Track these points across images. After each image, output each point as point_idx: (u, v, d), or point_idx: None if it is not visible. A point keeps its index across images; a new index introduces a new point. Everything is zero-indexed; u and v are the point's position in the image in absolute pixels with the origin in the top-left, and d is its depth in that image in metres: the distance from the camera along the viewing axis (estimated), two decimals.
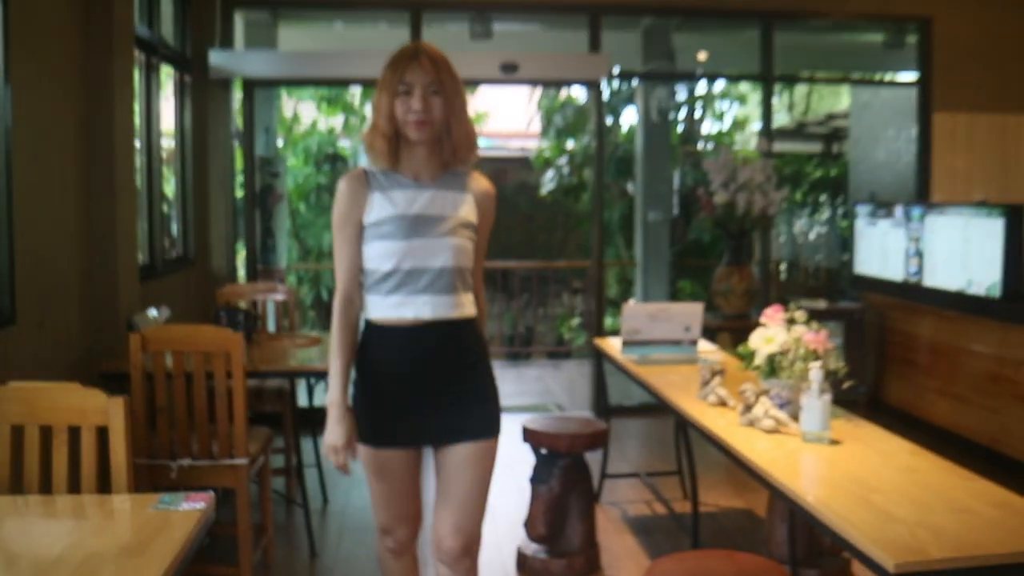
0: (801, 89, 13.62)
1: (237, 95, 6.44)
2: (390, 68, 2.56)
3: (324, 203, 10.71)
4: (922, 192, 7.20)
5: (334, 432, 2.58)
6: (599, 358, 5.15)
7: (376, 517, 2.75)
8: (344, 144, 11.46)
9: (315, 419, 4.24)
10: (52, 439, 2.37)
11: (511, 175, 12.58)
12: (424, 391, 2.61)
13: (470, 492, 2.66)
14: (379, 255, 2.58)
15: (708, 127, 12.35)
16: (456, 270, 2.60)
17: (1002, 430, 5.41)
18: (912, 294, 6.13)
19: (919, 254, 5.97)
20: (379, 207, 2.59)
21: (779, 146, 13.11)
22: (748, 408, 3.00)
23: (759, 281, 6.71)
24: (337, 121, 11.74)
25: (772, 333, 3.11)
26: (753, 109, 12.13)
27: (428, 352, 2.60)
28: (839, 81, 8.93)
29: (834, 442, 2.81)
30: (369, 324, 2.66)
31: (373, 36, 8.61)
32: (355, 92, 11.21)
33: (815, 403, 2.77)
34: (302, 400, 4.99)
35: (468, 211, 2.64)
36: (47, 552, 1.91)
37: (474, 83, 7.17)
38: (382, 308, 2.60)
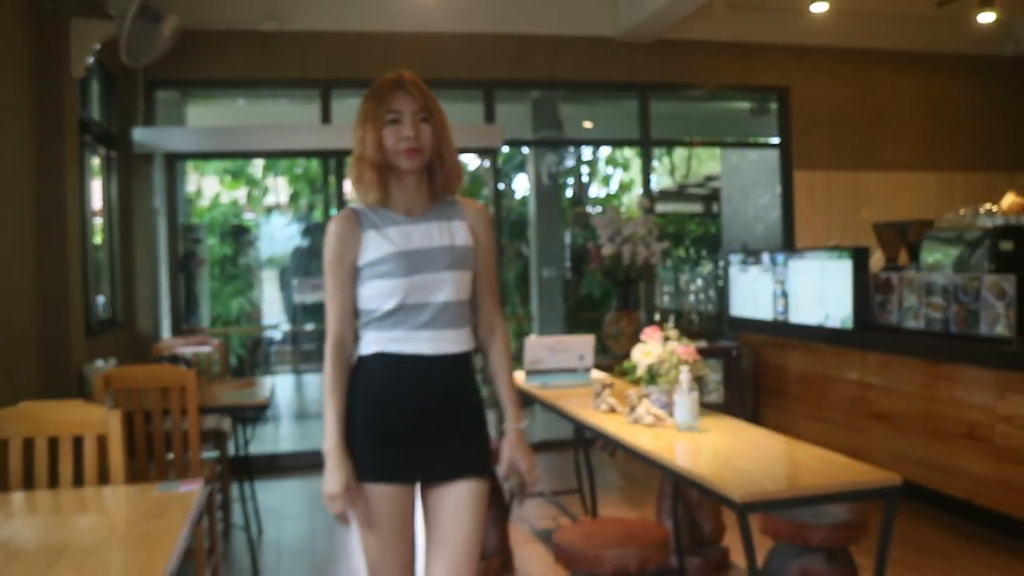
0: (682, 153, 14.67)
1: (156, 169, 6.93)
2: (374, 99, 2.50)
3: (229, 273, 11.11)
4: (787, 241, 8.06)
5: (332, 479, 2.48)
6: None
7: (369, 570, 2.60)
8: (248, 216, 11.93)
9: (246, 464, 4.76)
10: (60, 448, 2.85)
11: None
12: (421, 425, 2.53)
13: (466, 536, 2.55)
14: (379, 295, 2.53)
15: (596, 190, 13.22)
16: (457, 304, 2.56)
17: (863, 444, 6.14)
18: (780, 330, 6.88)
19: (784, 295, 6.74)
20: (375, 246, 2.53)
21: (663, 207, 14.12)
22: (632, 409, 3.62)
23: (645, 324, 7.41)
24: (240, 194, 12.20)
25: (650, 348, 3.75)
26: (636, 174, 13.00)
27: (427, 386, 2.53)
28: (712, 144, 9.81)
29: (703, 431, 3.45)
30: (366, 358, 2.57)
31: (275, 111, 9.21)
32: (258, 165, 11.70)
33: (685, 399, 3.41)
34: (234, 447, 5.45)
35: (465, 238, 2.59)
36: (86, 523, 2.40)
37: None
38: (381, 342, 2.54)
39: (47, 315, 4.62)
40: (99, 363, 4.87)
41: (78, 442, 2.89)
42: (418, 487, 2.57)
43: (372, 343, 2.55)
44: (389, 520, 2.53)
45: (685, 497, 4.30)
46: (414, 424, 2.52)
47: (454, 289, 2.54)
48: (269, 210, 12.21)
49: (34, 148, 4.61)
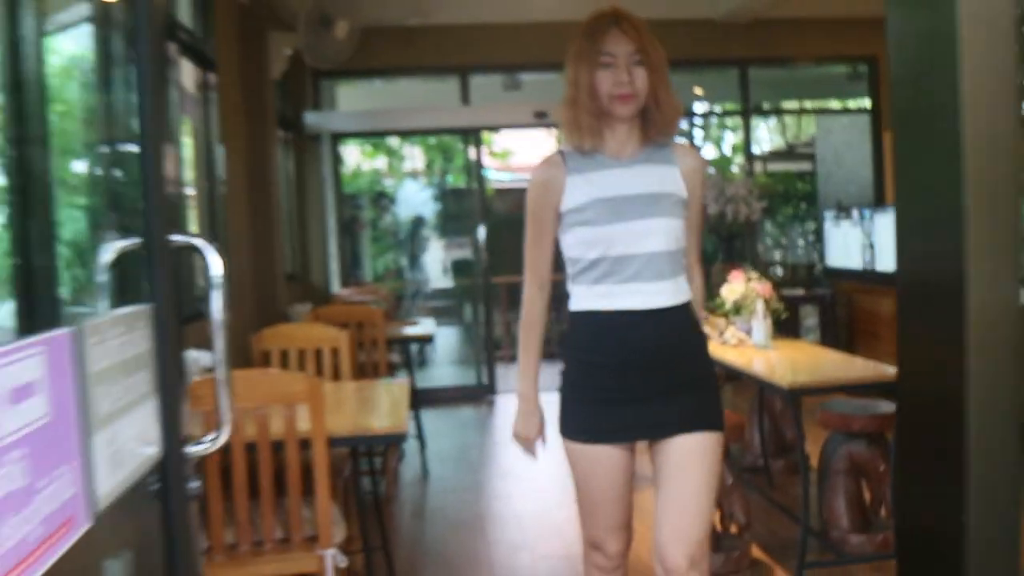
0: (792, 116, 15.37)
1: (323, 147, 8.17)
2: (587, 38, 2.39)
3: (374, 235, 12.37)
4: (878, 198, 8.86)
5: (527, 424, 2.54)
6: None
7: (584, 530, 2.56)
8: (387, 183, 13.18)
9: (413, 389, 5.91)
10: (306, 356, 4.03)
11: None
12: (638, 383, 2.40)
13: (695, 492, 2.40)
14: (582, 243, 2.42)
15: (710, 152, 14.04)
16: (667, 254, 2.40)
17: None
18: (869, 279, 7.75)
19: (871, 246, 7.61)
20: (579, 191, 2.41)
21: (773, 166, 14.84)
22: (721, 333, 4.64)
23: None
24: (379, 162, 13.44)
25: (736, 287, 4.75)
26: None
27: (641, 343, 2.39)
28: (806, 112, 10.53)
29: (775, 349, 4.45)
30: (575, 315, 2.49)
31: (421, 90, 10.36)
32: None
33: (761, 324, 4.43)
34: None
35: (677, 186, 2.44)
36: (350, 389, 3.58)
37: (511, 128, 8.89)
38: (589, 299, 2.44)
39: (259, 263, 5.86)
40: (298, 306, 6.12)
41: (318, 353, 4.07)
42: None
43: (580, 299, 2.46)
44: (604, 477, 2.46)
45: (769, 408, 5.30)
46: (628, 383, 2.41)
47: (664, 238, 2.39)
48: (405, 177, 13.44)
49: (248, 135, 5.84)
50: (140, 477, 1.42)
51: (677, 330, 2.43)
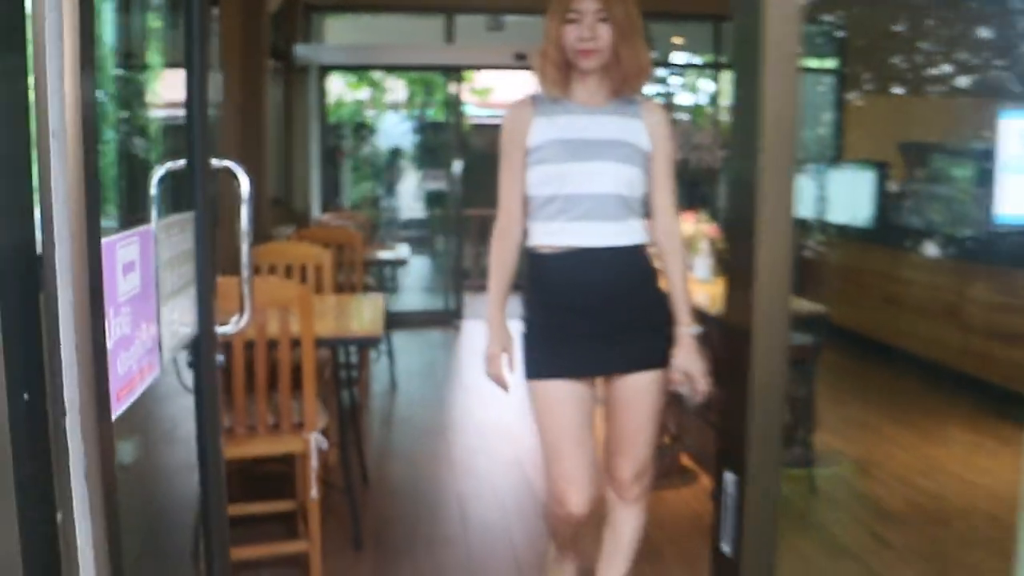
0: None
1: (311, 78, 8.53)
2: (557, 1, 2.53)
3: (353, 165, 12.73)
4: (837, 155, 9.34)
5: (492, 343, 2.65)
6: None
7: (548, 483, 2.68)
8: (370, 114, 13.50)
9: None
10: (293, 271, 4.48)
11: None
12: (590, 319, 2.55)
13: (643, 423, 2.64)
14: (539, 180, 2.56)
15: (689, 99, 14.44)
16: (618, 197, 2.54)
17: (868, 319, 7.55)
18: (819, 228, 8.25)
19: (823, 199, 8.10)
20: (541, 131, 2.56)
21: None
22: None
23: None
24: (362, 94, 13.75)
25: (685, 227, 5.22)
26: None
27: (589, 280, 2.54)
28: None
29: (715, 284, 4.95)
30: (532, 252, 2.63)
31: (408, 26, 10.67)
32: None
33: (704, 261, 4.91)
34: None
35: (638, 137, 2.57)
36: (343, 305, 4.04)
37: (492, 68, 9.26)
38: (543, 235, 2.59)
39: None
40: (282, 228, 6.55)
41: (303, 269, 4.52)
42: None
43: (537, 235, 2.61)
44: (561, 417, 2.58)
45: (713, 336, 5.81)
46: (582, 319, 2.55)
47: (615, 181, 2.53)
48: (387, 109, 13.77)
49: (242, 65, 6.22)
50: (183, 346, 1.88)
51: (626, 270, 2.57)
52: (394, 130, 13.29)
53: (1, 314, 1.02)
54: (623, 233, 2.54)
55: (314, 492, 3.26)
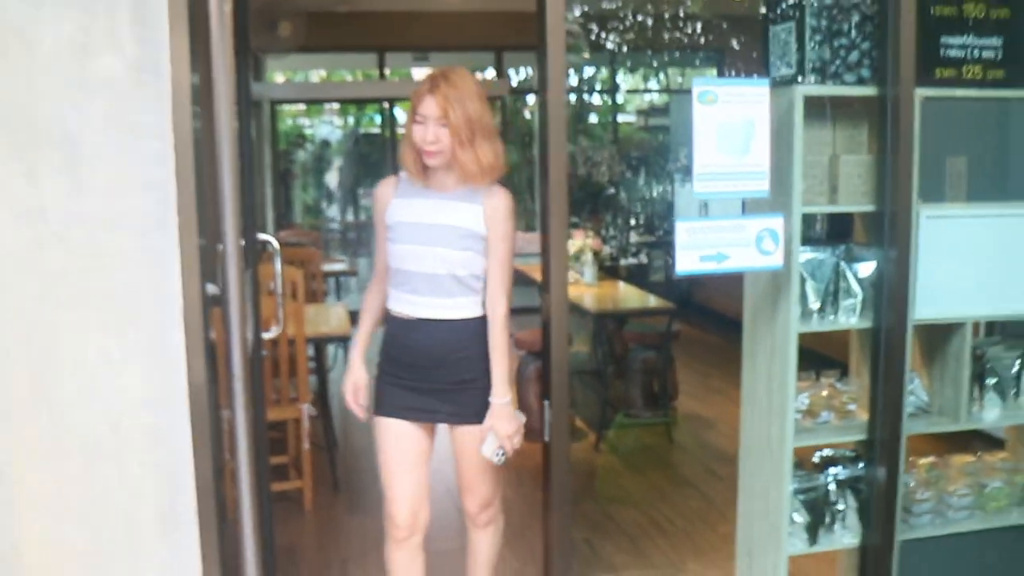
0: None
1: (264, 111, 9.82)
2: (413, 98, 2.80)
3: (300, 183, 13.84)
4: None
5: (346, 379, 3.07)
6: None
7: (386, 505, 3.07)
8: (304, 123, 14.59)
9: None
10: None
11: None
12: (417, 375, 2.93)
13: (476, 468, 3.00)
14: (391, 254, 2.91)
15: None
16: (451, 276, 2.83)
17: None
18: None
19: (706, 205, 9.62)
20: (396, 212, 2.87)
21: (657, 120, 16.67)
22: None
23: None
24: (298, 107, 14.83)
25: (575, 241, 6.67)
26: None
27: (415, 343, 2.91)
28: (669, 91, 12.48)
29: (599, 286, 6.41)
30: (386, 311, 3.01)
31: (341, 62, 11.99)
32: None
33: (589, 268, 6.38)
34: None
35: (476, 222, 2.80)
36: (319, 314, 5.41)
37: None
38: (391, 300, 2.96)
39: None
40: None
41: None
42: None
43: (389, 298, 2.99)
44: (390, 448, 3.02)
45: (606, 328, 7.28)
46: (409, 374, 2.94)
47: (447, 263, 2.82)
48: (323, 121, 14.83)
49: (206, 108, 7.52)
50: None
51: (449, 339, 2.89)
52: (330, 135, 14.32)
53: None
54: (450, 308, 2.88)
55: (306, 445, 4.67)
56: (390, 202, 2.91)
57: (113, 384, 2.30)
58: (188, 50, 2.30)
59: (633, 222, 11.51)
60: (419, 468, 3.05)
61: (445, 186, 2.86)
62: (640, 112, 12.84)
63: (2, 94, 2.17)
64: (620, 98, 15.24)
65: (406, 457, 3.02)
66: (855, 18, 2.80)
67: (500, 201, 2.82)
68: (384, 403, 3.01)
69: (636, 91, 12.95)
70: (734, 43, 9.26)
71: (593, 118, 12.14)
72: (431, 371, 2.92)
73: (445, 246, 2.81)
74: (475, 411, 2.92)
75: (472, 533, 3.19)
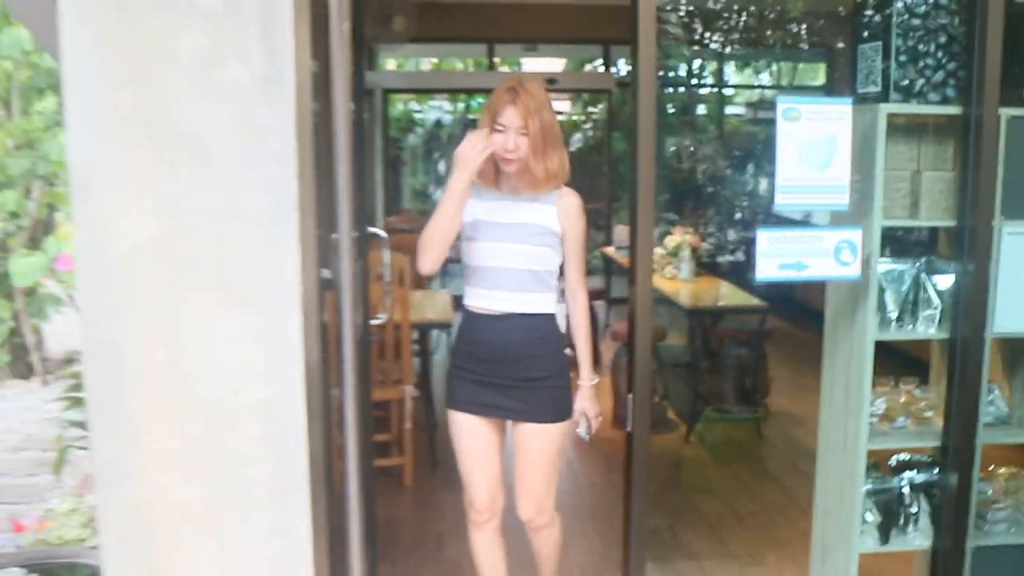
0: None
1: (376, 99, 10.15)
2: (490, 106, 2.92)
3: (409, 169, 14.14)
4: None
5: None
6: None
7: (465, 491, 3.21)
8: (416, 110, 14.89)
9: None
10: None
11: None
12: (491, 370, 3.02)
13: (537, 466, 3.08)
14: (467, 252, 3.00)
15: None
16: (528, 271, 2.96)
17: None
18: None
19: None
20: (475, 211, 2.97)
21: (765, 113, 16.56)
22: (662, 268, 6.70)
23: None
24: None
25: (675, 238, 6.80)
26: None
27: (492, 338, 3.00)
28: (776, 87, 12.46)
29: (696, 282, 6.52)
30: (463, 308, 3.10)
31: (452, 50, 12.26)
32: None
33: (686, 264, 6.50)
34: None
35: (550, 221, 2.96)
36: (424, 300, 5.68)
37: None
38: (468, 296, 3.05)
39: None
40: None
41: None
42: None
43: (466, 294, 3.08)
44: (464, 442, 3.14)
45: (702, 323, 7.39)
46: (485, 369, 3.03)
47: (525, 258, 2.95)
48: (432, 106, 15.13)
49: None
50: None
51: (524, 335, 3.00)
52: (442, 120, 14.58)
53: None
54: (527, 302, 3.00)
55: (408, 424, 4.93)
56: (468, 201, 2.99)
57: (234, 358, 2.51)
58: (310, 64, 2.51)
59: (735, 217, 11.54)
60: (492, 457, 3.17)
61: (516, 190, 3.01)
62: (749, 104, 12.78)
63: (149, 97, 2.41)
64: (728, 91, 15.29)
65: (478, 448, 3.15)
66: (941, 39, 2.90)
67: (571, 201, 3.01)
68: (455, 397, 3.15)
69: (740, 87, 12.92)
70: (839, 43, 9.25)
71: (701, 109, 12.21)
72: (502, 366, 3.03)
73: (524, 242, 2.95)
74: (541, 409, 3.05)
75: (531, 537, 3.29)
